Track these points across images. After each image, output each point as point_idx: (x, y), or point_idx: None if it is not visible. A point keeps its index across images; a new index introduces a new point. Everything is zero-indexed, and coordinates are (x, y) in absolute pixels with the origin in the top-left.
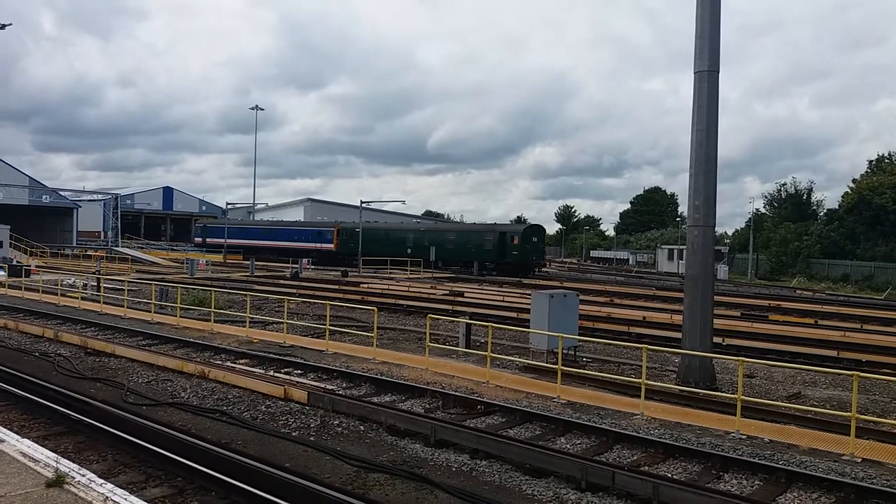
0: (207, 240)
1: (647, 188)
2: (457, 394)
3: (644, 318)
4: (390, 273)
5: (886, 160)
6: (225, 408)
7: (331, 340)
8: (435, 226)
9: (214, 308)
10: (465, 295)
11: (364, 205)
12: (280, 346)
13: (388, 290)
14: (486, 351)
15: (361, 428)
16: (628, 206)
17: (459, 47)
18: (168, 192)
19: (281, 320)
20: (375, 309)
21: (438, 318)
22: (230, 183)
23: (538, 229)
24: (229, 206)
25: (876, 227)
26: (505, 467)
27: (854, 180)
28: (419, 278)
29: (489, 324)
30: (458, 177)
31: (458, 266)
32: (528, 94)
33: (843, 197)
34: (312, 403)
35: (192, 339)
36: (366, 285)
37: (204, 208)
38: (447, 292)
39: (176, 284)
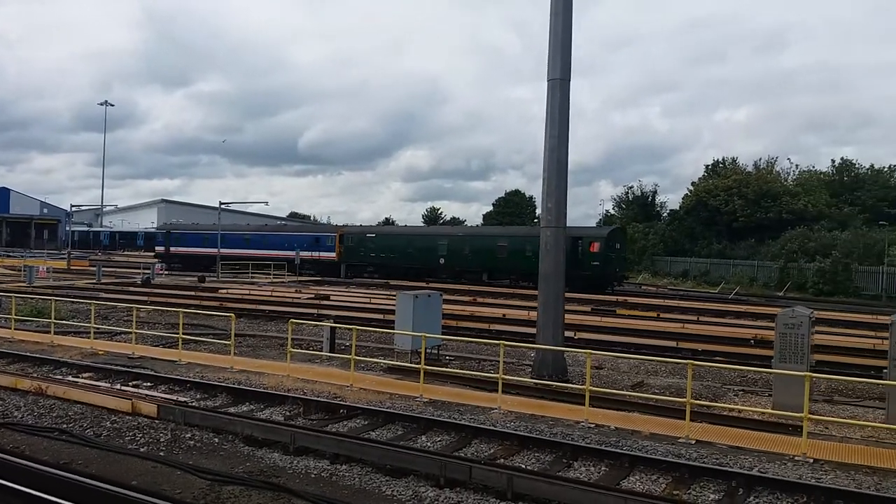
0: (172, 249)
1: (508, 191)
2: (319, 399)
3: (504, 315)
4: (252, 277)
5: (721, 165)
6: (65, 426)
7: (184, 350)
8: (480, 231)
9: (55, 318)
10: (332, 298)
11: (224, 206)
12: (128, 358)
13: (248, 295)
14: (351, 354)
15: (216, 440)
16: (491, 208)
17: (336, 47)
18: (4, 194)
19: (129, 330)
20: (233, 315)
21: (302, 323)
22: (80, 184)
23: (622, 233)
24: (74, 209)
25: (711, 226)
26: (365, 470)
27: (693, 183)
28: (283, 282)
29: (354, 326)
30: (329, 178)
31: (511, 280)
32: (402, 97)
33: (683, 199)
34: (163, 417)
35: (28, 353)
36: (225, 291)
37: (45, 211)
38: (312, 296)
39: (11, 294)
